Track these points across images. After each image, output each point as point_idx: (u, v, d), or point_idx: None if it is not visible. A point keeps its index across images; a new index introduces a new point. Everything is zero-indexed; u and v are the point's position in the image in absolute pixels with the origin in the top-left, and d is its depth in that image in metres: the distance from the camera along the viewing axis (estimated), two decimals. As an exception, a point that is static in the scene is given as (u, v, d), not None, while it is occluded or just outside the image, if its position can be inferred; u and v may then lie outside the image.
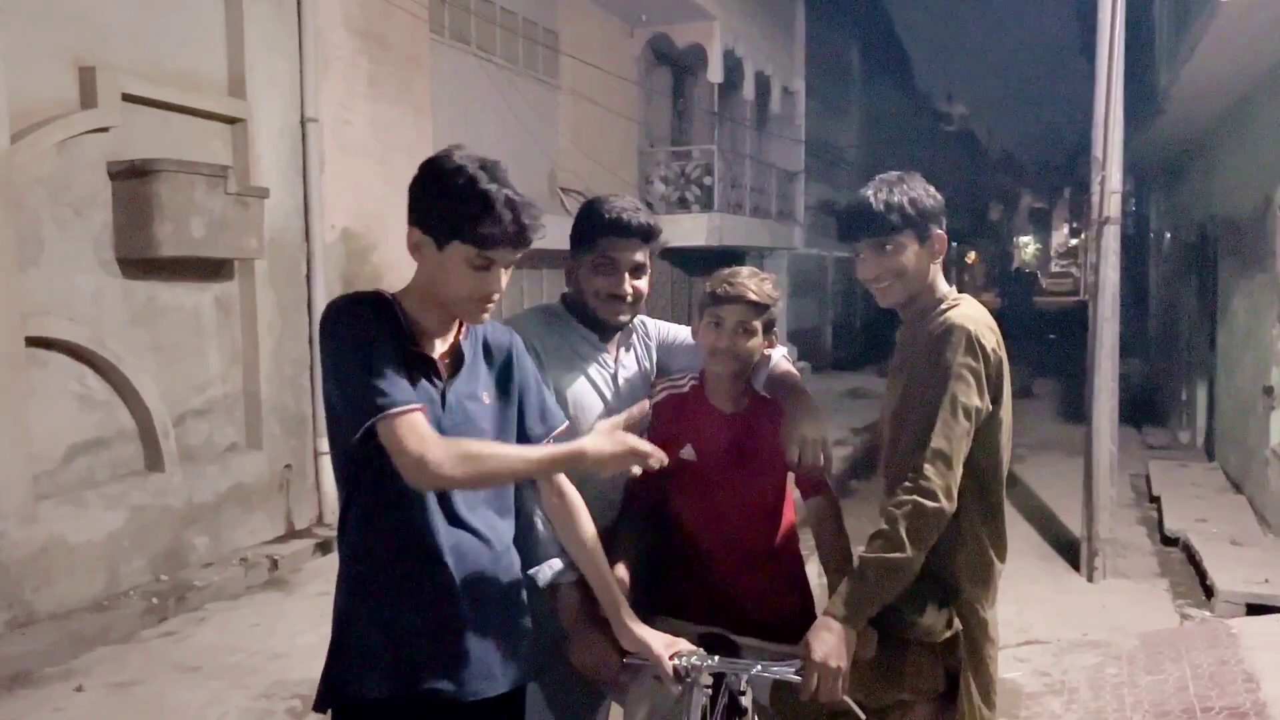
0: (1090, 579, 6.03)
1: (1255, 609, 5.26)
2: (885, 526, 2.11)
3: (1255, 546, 6.23)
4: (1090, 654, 4.74)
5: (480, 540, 1.94)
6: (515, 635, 2.00)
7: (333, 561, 6.62)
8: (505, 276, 1.85)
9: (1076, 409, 7.79)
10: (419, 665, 1.87)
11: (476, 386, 1.96)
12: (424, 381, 1.86)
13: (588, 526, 2.09)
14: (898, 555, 2.07)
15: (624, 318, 2.39)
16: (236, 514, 6.40)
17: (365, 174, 7.49)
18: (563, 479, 2.08)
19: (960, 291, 2.34)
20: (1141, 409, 12.19)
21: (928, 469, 2.09)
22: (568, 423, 2.12)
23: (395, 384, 1.78)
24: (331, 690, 1.89)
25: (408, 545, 1.87)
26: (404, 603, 1.87)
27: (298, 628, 5.22)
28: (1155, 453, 9.96)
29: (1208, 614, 5.40)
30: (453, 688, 1.88)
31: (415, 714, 1.88)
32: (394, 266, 7.48)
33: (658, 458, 1.94)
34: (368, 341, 1.79)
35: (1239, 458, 8.20)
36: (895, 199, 2.22)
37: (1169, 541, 6.79)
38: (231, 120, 6.40)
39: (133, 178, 5.56)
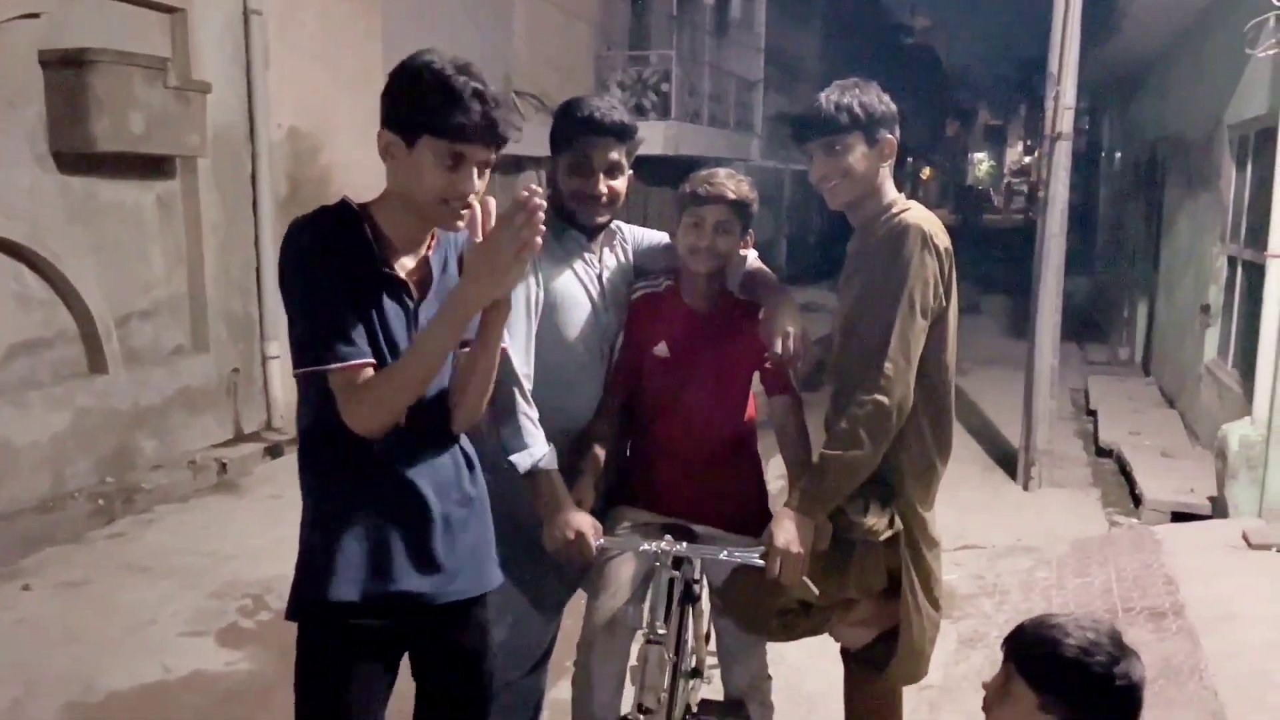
0: (1026, 488, 6.24)
1: (1180, 516, 5.50)
2: (845, 425, 2.17)
3: (1184, 458, 6.47)
4: (1023, 559, 4.93)
5: (443, 443, 1.95)
6: (483, 537, 2.02)
7: (283, 466, 6.63)
8: (480, 180, 1.80)
9: (1021, 325, 7.96)
10: (392, 568, 1.87)
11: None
12: (394, 303, 1.81)
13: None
14: (856, 453, 2.17)
15: (601, 218, 2.40)
16: (184, 417, 6.34)
17: (313, 72, 7.24)
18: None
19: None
20: (1084, 326, 12.45)
21: (888, 367, 2.15)
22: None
23: (338, 333, 1.74)
24: (303, 598, 1.88)
25: (375, 455, 1.85)
26: (375, 509, 1.86)
27: (248, 530, 5.24)
28: (1095, 368, 10.22)
29: (1135, 521, 5.63)
30: (427, 590, 1.90)
31: (386, 618, 1.89)
32: (343, 168, 7.31)
33: (530, 198, 1.64)
34: (320, 279, 1.75)
35: (1174, 374, 8.45)
36: (846, 101, 2.25)
37: (1103, 453, 7.03)
38: (171, 9, 6.12)
39: (67, 68, 5.33)
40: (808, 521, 2.20)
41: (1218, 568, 4.41)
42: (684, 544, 2.27)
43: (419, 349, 1.78)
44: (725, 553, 2.25)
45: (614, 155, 2.33)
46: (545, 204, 1.69)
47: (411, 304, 1.84)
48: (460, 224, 1.81)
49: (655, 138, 12.60)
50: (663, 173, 14.05)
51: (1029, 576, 4.68)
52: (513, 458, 2.20)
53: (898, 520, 2.31)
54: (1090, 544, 5.05)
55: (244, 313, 6.86)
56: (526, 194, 1.66)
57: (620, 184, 2.37)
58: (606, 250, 2.49)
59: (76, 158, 5.52)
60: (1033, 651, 1.65)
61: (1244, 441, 5.05)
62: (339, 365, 1.75)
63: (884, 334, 2.17)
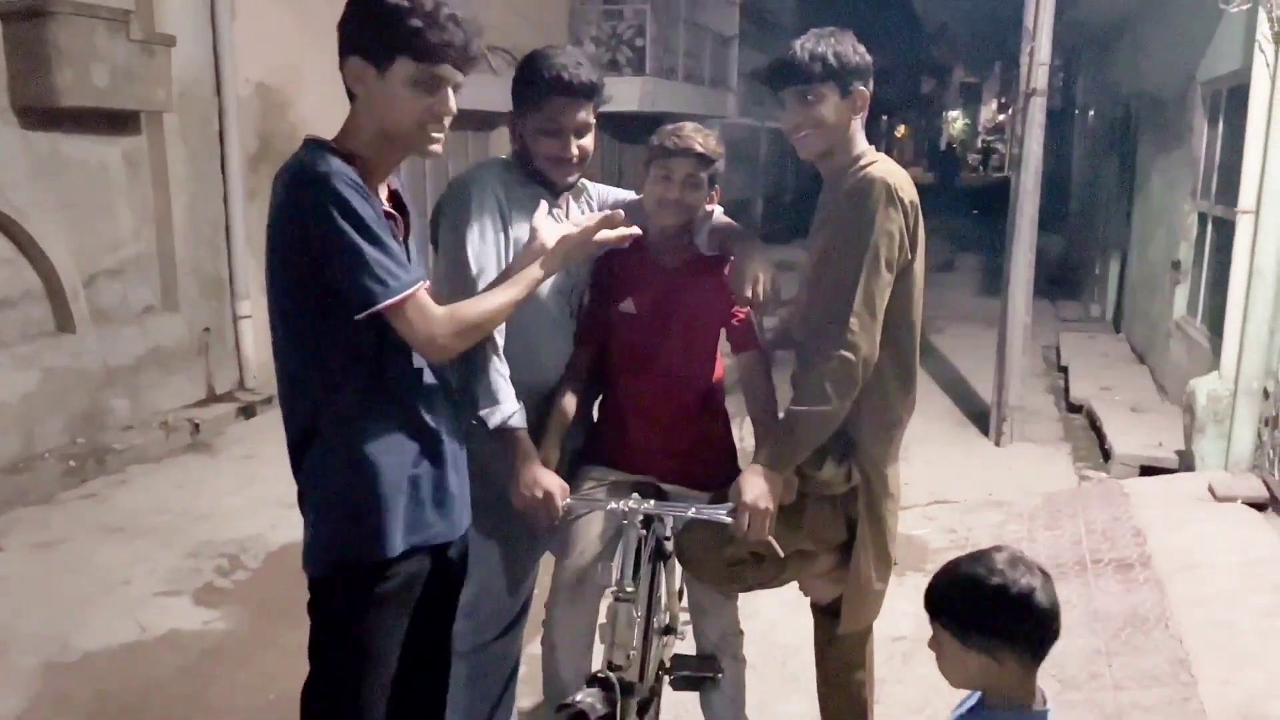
0: (998, 444, 6.31)
1: (1148, 470, 5.59)
2: (811, 380, 2.18)
3: (1153, 413, 6.56)
4: (994, 513, 5.00)
5: (447, 388, 2.00)
6: (466, 476, 2.05)
7: (257, 426, 6.59)
8: (454, 100, 1.80)
9: (995, 283, 8.01)
10: (425, 513, 1.90)
11: (418, 237, 1.95)
12: (392, 240, 1.79)
13: None
14: (823, 408, 2.17)
15: (572, 178, 2.39)
16: (155, 377, 6.27)
17: (281, 25, 7.08)
18: None
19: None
20: (1057, 283, 12.55)
21: (853, 322, 2.15)
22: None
23: (401, 262, 1.75)
24: (348, 556, 1.86)
25: (409, 407, 1.87)
26: (405, 455, 1.87)
27: (223, 489, 5.21)
28: (1067, 325, 10.32)
29: (1105, 475, 5.72)
30: (444, 530, 1.95)
31: (419, 564, 1.93)
32: (312, 125, 7.07)
33: (616, 222, 2.10)
34: (367, 214, 1.72)
35: (1144, 330, 8.54)
36: (820, 50, 2.23)
37: (1074, 409, 7.12)
38: (132, -40, 5.98)
39: (26, 19, 5.19)
40: (776, 477, 2.21)
41: (1184, 519, 4.50)
42: (651, 502, 2.26)
43: (500, 306, 1.92)
44: (694, 510, 2.25)
45: (583, 115, 2.29)
46: (636, 232, 2.12)
47: (400, 238, 1.85)
48: (438, 148, 1.82)
49: (630, 94, 12.48)
50: (637, 129, 13.93)
51: (1000, 530, 4.75)
52: (481, 413, 2.19)
53: (855, 474, 2.32)
54: (1060, 498, 5.13)
55: (214, 271, 6.77)
56: (620, 222, 2.09)
57: (588, 142, 2.33)
58: (573, 204, 2.47)
59: (39, 113, 5.39)
60: (935, 596, 1.69)
61: (1211, 396, 5.12)
62: (422, 285, 1.77)
63: (849, 289, 2.16)
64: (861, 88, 2.28)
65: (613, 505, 2.24)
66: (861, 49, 2.29)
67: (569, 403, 2.41)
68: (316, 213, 1.70)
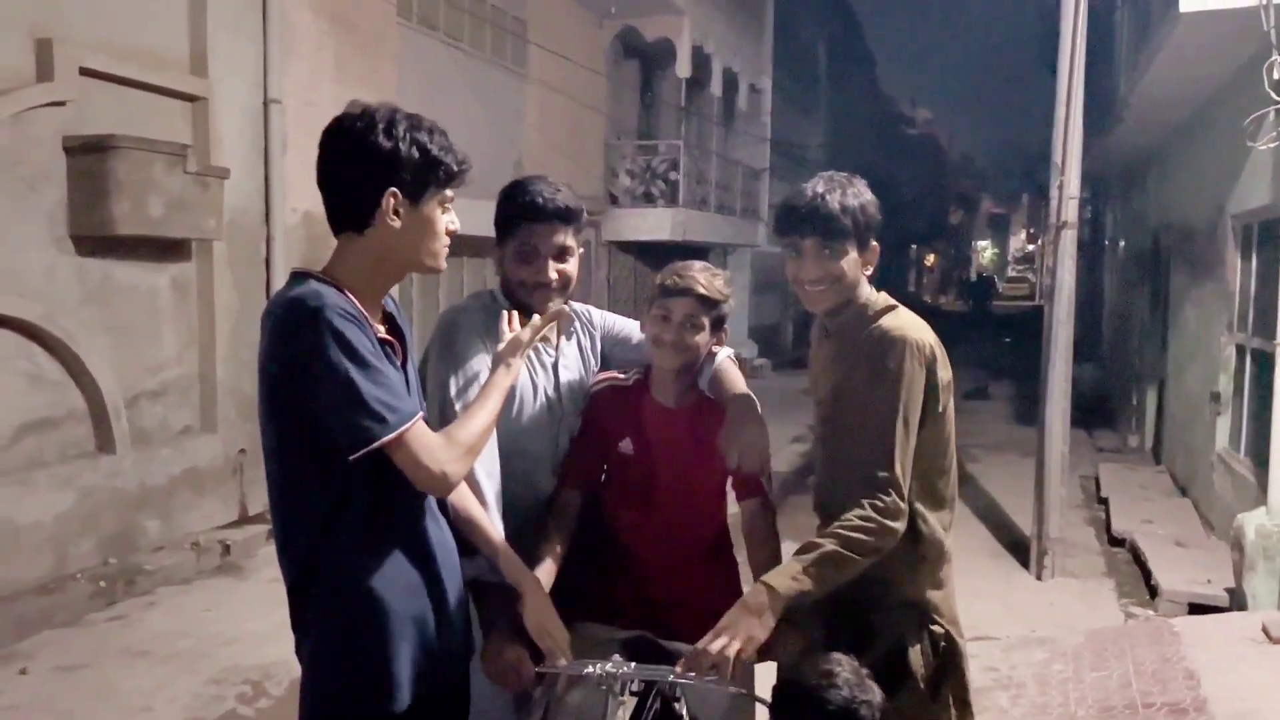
0: (1039, 577, 6.14)
1: (1197, 608, 5.39)
2: (843, 531, 2.06)
3: (1199, 548, 6.37)
4: (1038, 650, 4.82)
5: (448, 529, 1.95)
6: (469, 605, 2.01)
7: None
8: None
9: (1030, 411, 7.95)
10: (434, 658, 1.85)
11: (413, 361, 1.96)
12: (390, 366, 1.78)
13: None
14: (854, 558, 2.05)
15: (554, 305, 2.29)
16: (189, 498, 6.31)
17: (328, 157, 7.39)
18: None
19: (920, 294, 2.33)
20: (1093, 413, 12.41)
21: (892, 491, 2.08)
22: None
23: (398, 394, 1.73)
24: (356, 712, 1.80)
25: (413, 548, 1.83)
26: (415, 601, 1.82)
27: (249, 613, 5.16)
28: (1105, 455, 10.15)
29: (1151, 613, 5.52)
30: (451, 670, 1.92)
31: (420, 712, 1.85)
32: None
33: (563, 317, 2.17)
34: (362, 345, 1.69)
35: (1185, 462, 8.38)
36: (850, 203, 2.18)
37: (1116, 542, 6.93)
38: (192, 99, 6.30)
39: (89, 154, 5.45)
40: (775, 595, 1.98)
41: (1238, 662, 4.31)
42: (631, 665, 1.98)
43: (481, 425, 1.87)
44: (672, 674, 1.94)
45: (560, 239, 2.25)
46: (570, 314, 2.09)
47: (398, 363, 1.83)
48: (443, 264, 1.87)
49: (663, 223, 12.80)
50: (670, 258, 14.21)
51: (1045, 669, 4.57)
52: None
53: (940, 643, 2.23)
54: (1106, 635, 4.94)
55: (253, 393, 6.81)
56: (557, 311, 2.13)
57: (570, 267, 2.28)
58: (564, 338, 2.40)
59: (94, 240, 5.61)
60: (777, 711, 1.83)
61: (1260, 532, 4.97)
62: (419, 416, 1.75)
63: (876, 445, 2.10)
64: (874, 243, 2.24)
65: (589, 670, 1.94)
66: (875, 201, 2.24)
67: (557, 547, 2.19)
68: (312, 347, 1.66)
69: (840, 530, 2.06)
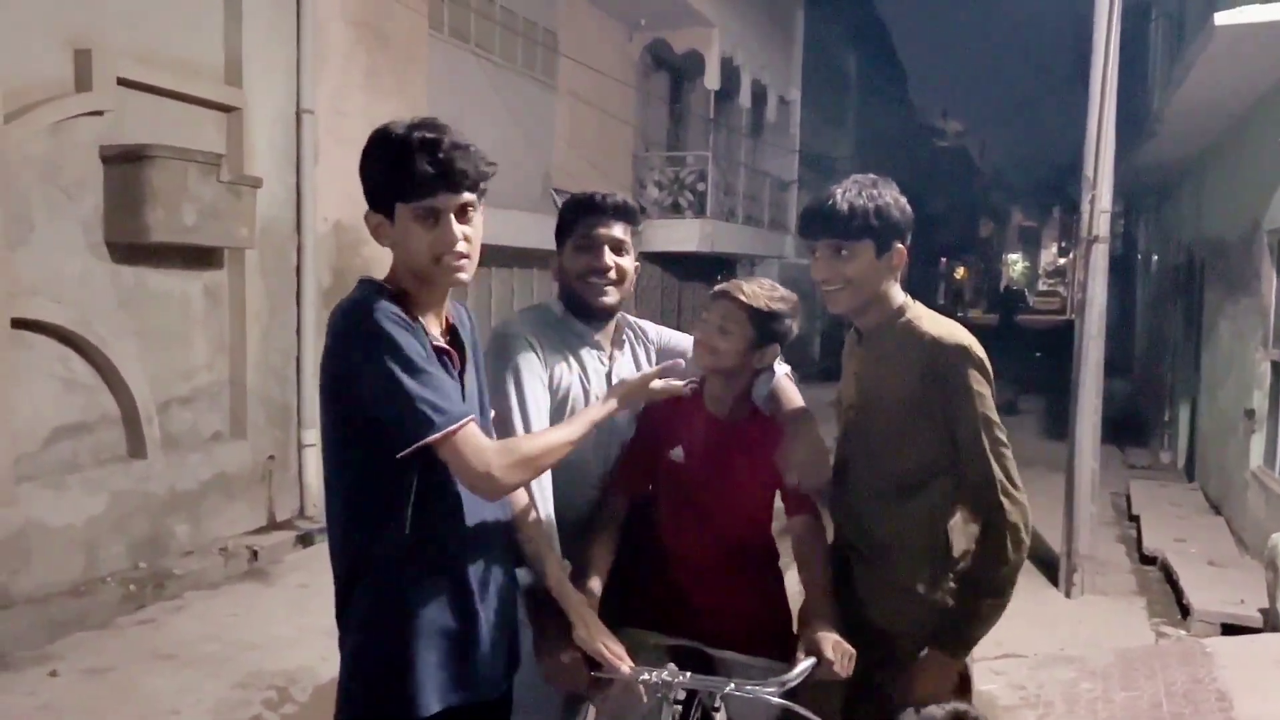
0: (1069, 595, 6.06)
1: (1230, 629, 5.30)
2: (983, 576, 2.20)
3: (1232, 567, 6.27)
4: (1066, 669, 4.76)
5: (502, 532, 1.96)
6: (516, 624, 2.01)
7: (314, 554, 6.59)
8: (468, 225, 1.79)
9: (1060, 427, 7.86)
10: (467, 671, 1.84)
11: (479, 373, 1.96)
12: (446, 374, 1.79)
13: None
14: (1010, 589, 2.23)
15: (609, 299, 2.32)
16: (218, 503, 6.37)
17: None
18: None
19: (951, 306, 2.33)
20: (1124, 428, 12.25)
21: (1008, 508, 2.19)
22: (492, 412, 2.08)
23: (448, 396, 1.74)
24: (380, 712, 1.81)
25: (461, 549, 1.84)
26: (454, 604, 1.82)
27: (276, 618, 5.20)
28: (1136, 472, 10.02)
29: (1183, 633, 5.44)
30: (485, 686, 1.89)
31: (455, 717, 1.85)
32: (383, 261, 7.37)
33: (673, 374, 2.14)
34: (412, 349, 1.72)
35: (1219, 479, 8.26)
36: (861, 203, 2.13)
37: (1147, 560, 6.83)
38: (227, 108, 6.39)
39: (125, 162, 5.54)
40: (953, 664, 2.16)
41: (1272, 684, 4.23)
42: (688, 674, 2.01)
43: (557, 442, 1.90)
44: (732, 685, 1.97)
45: (617, 232, 2.32)
46: (690, 388, 2.20)
47: (455, 372, 1.84)
48: (464, 276, 1.81)
49: (691, 234, 12.80)
50: (698, 269, 14.23)
51: (1073, 688, 4.51)
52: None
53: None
54: (1136, 655, 4.87)
55: (282, 400, 6.94)
56: (680, 372, 2.15)
57: (627, 262, 2.33)
58: (618, 349, 2.42)
59: (129, 247, 5.69)
60: None
61: (1295, 551, 4.89)
62: (471, 419, 1.75)
63: (981, 468, 2.18)
64: (899, 245, 2.18)
65: (645, 676, 1.97)
66: (904, 202, 2.19)
67: (605, 555, 2.23)
68: (363, 348, 1.72)
69: (986, 577, 2.23)
